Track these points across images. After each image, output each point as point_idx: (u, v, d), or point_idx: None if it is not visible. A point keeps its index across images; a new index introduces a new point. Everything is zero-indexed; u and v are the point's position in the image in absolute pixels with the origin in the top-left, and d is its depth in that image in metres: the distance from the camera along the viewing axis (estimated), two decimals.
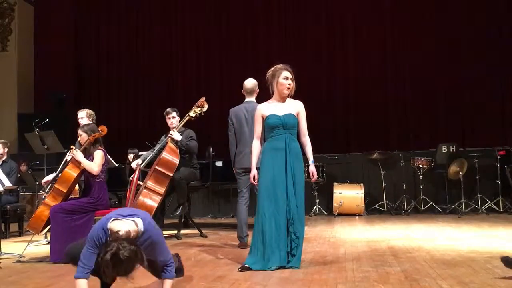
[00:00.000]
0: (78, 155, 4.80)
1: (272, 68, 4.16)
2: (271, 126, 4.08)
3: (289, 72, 4.11)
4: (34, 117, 7.94)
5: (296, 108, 4.13)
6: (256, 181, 4.15)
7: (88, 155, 4.86)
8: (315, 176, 4.11)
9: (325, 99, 10.02)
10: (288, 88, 4.10)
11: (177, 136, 5.93)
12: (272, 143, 4.07)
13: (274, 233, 3.89)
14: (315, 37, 10.29)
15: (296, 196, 3.96)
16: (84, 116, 6.00)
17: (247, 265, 3.89)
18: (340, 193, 8.64)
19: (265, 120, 4.13)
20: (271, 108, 4.14)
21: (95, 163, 4.76)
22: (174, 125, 6.05)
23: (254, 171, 4.17)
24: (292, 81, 4.11)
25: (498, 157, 8.29)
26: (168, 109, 6.19)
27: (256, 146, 4.22)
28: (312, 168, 4.11)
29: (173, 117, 6.10)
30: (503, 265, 3.37)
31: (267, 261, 3.86)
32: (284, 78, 4.08)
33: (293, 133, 4.10)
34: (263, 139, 4.28)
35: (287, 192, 3.96)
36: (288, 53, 10.23)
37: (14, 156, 8.30)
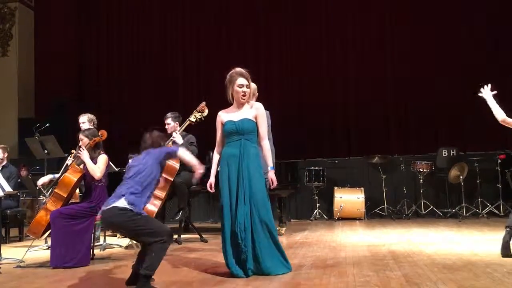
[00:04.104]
0: (85, 155, 4.80)
1: (230, 73, 4.04)
2: (227, 132, 4.00)
3: (245, 78, 3.98)
4: (34, 121, 7.96)
5: (253, 111, 4.01)
6: (213, 189, 4.05)
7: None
8: (275, 183, 3.91)
9: (325, 102, 10.00)
10: (243, 96, 3.98)
11: (179, 139, 5.95)
12: (228, 149, 3.99)
13: (232, 243, 3.83)
14: (315, 38, 10.29)
15: (251, 204, 3.82)
16: (85, 120, 6.02)
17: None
18: (340, 197, 8.63)
19: (223, 126, 4.05)
20: (229, 114, 4.05)
21: (98, 168, 4.77)
22: (169, 131, 6.07)
23: (212, 179, 4.07)
24: (248, 87, 3.99)
25: (499, 161, 8.29)
26: (167, 114, 6.22)
27: (216, 154, 4.13)
28: (270, 174, 3.93)
29: (168, 124, 6.12)
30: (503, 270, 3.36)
31: (232, 267, 3.80)
32: (239, 86, 3.96)
33: (250, 138, 3.97)
34: None
35: (237, 200, 3.85)
36: (288, 55, 10.25)
37: (14, 161, 8.30)
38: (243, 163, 3.89)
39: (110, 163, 5.46)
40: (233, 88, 4.00)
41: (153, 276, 3.41)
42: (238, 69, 4.04)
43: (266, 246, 3.82)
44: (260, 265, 3.82)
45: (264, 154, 4.01)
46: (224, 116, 4.08)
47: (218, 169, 4.09)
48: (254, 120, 4.00)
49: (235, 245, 3.83)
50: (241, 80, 3.98)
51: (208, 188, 4.09)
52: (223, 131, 4.06)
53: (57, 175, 5.30)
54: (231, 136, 3.99)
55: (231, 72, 4.05)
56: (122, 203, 3.42)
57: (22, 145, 8.56)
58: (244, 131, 3.95)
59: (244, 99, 4.00)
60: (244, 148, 3.93)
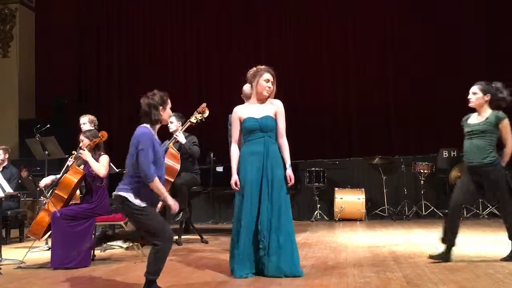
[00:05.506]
0: (86, 154, 4.80)
1: (254, 68, 4.05)
2: (249, 130, 3.94)
3: (271, 75, 4.01)
4: (35, 122, 7.95)
5: (273, 108, 4.00)
6: (238, 187, 3.95)
7: None
8: (293, 180, 3.92)
9: (325, 103, 10.00)
10: (268, 91, 3.98)
11: (182, 138, 5.95)
12: (250, 147, 3.94)
13: (248, 242, 3.80)
14: (315, 38, 10.28)
15: (273, 203, 3.82)
16: (86, 121, 6.01)
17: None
18: (341, 198, 8.62)
19: (242, 123, 3.99)
20: (248, 110, 4.01)
21: (102, 166, 4.78)
22: (171, 130, 6.06)
23: (235, 177, 3.93)
24: (273, 84, 4.00)
25: None
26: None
27: (235, 151, 4.04)
28: (289, 171, 3.92)
29: (171, 122, 6.10)
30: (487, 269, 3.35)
31: (238, 268, 3.80)
32: (265, 80, 3.97)
33: (272, 135, 3.96)
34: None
35: (260, 199, 3.83)
36: (288, 55, 10.24)
37: (15, 161, 8.30)
38: (267, 161, 3.87)
39: (111, 164, 5.47)
40: (258, 82, 3.99)
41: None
42: (263, 66, 4.05)
43: (277, 246, 3.81)
44: (274, 264, 3.79)
45: (283, 152, 3.99)
46: (242, 112, 4.03)
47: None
48: (275, 117, 3.98)
49: (252, 245, 3.81)
50: (267, 76, 3.99)
51: (233, 186, 3.94)
52: (242, 128, 4.01)
53: (58, 176, 5.30)
54: (252, 134, 3.94)
55: (257, 67, 4.05)
56: (124, 194, 3.35)
57: (23, 146, 8.56)
58: (268, 129, 3.93)
59: (267, 94, 3.99)
60: (268, 146, 3.91)
